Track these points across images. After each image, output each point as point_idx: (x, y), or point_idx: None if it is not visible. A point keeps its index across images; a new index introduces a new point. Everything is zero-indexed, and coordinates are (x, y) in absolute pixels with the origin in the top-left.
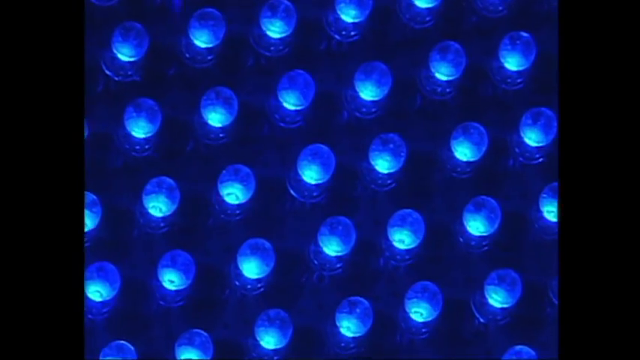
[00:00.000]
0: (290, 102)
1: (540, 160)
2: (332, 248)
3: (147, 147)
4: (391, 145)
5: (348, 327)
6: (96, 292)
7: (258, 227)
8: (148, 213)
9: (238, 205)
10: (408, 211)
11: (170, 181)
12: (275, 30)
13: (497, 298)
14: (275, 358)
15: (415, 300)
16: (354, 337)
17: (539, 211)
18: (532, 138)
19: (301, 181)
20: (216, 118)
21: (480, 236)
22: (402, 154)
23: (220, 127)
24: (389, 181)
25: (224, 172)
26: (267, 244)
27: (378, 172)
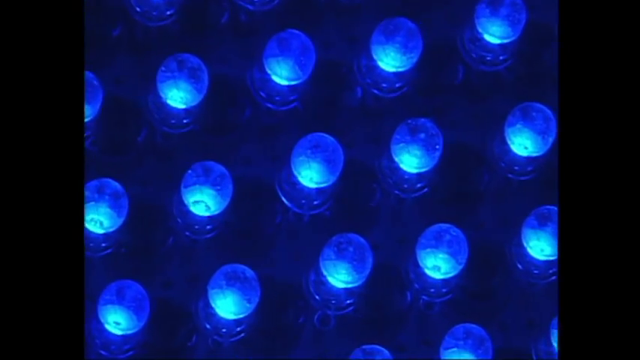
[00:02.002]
0: (281, 75)
1: None
2: (340, 278)
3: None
4: (422, 135)
5: None
6: None
7: (237, 249)
8: (86, 228)
9: (209, 219)
10: (446, 226)
11: (115, 184)
12: None
13: None
14: None
15: (455, 350)
16: None
17: None
18: None
19: (297, 184)
20: (178, 97)
21: (545, 261)
22: (438, 146)
23: (184, 110)
24: (419, 185)
25: (190, 172)
26: (250, 273)
27: (404, 172)
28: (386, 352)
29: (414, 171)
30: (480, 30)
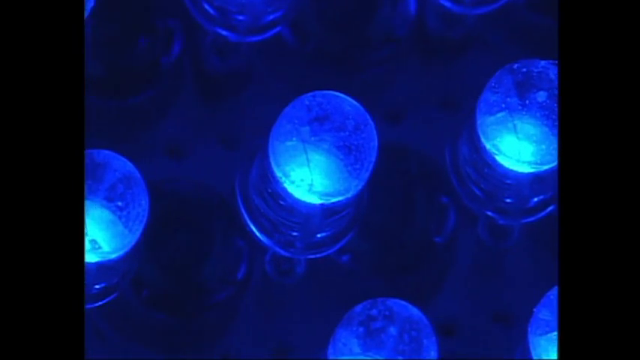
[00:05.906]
0: None
1: None
2: None
3: None
4: (542, 96)
5: None
6: None
7: (160, 331)
8: None
9: (100, 268)
10: None
11: None
12: None
13: None
14: None
15: None
16: None
17: None
18: None
19: (283, 197)
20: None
21: None
22: None
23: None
24: (536, 199)
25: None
26: None
27: (507, 173)
28: None
29: (526, 169)
30: None
